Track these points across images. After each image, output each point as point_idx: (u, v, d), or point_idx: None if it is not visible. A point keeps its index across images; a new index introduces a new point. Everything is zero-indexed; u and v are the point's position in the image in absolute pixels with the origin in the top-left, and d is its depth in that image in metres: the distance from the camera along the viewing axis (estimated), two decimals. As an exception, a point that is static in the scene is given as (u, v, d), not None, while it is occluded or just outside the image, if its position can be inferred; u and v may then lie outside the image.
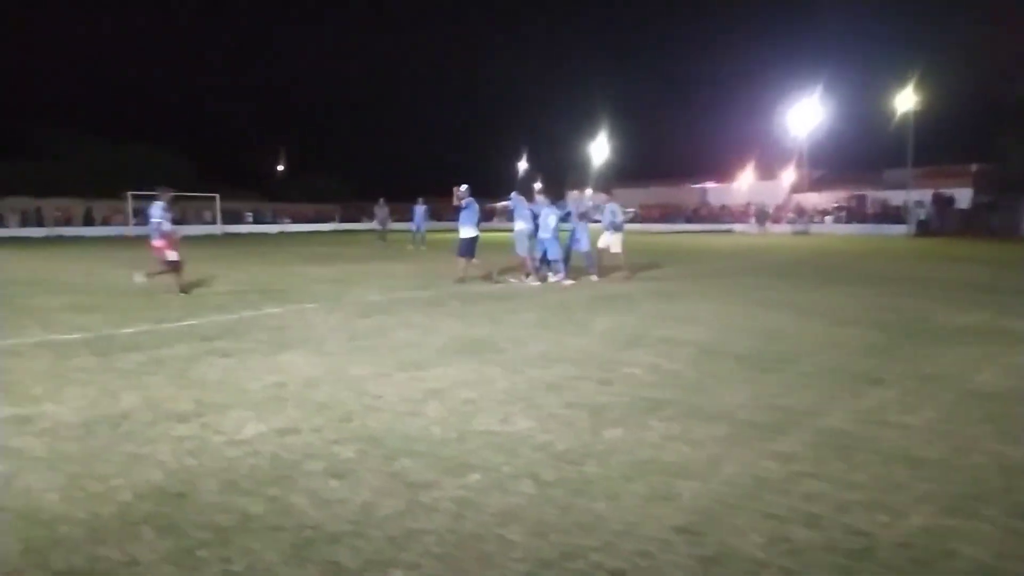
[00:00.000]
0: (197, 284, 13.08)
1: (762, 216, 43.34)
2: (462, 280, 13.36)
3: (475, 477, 3.77)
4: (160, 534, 3.15)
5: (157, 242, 11.85)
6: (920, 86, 45.10)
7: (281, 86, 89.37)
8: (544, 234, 13.48)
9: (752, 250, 26.08)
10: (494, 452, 4.17)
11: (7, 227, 43.15)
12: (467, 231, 13.27)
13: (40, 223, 44.29)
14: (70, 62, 73.61)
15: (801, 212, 45.91)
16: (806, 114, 49.29)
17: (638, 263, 17.54)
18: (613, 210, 14.65)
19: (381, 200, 30.48)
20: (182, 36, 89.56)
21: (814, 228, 43.67)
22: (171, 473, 3.88)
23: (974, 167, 46.45)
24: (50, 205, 46.77)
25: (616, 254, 14.41)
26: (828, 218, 43.95)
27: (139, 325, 8.67)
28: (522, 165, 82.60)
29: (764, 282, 14.02)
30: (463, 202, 13.45)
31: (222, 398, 5.37)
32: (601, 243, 14.38)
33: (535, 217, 13.59)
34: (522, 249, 13.68)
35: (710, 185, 61.84)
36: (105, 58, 76.81)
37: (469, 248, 13.27)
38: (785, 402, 5.19)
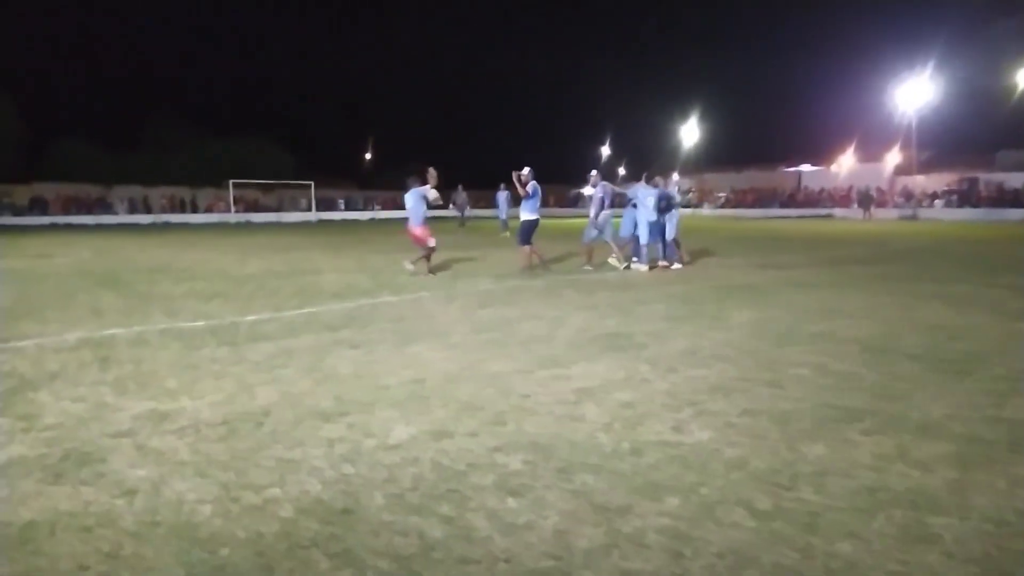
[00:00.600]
0: (312, 271, 13.03)
1: (866, 200, 40.93)
2: (588, 263, 13.40)
3: (673, 502, 3.26)
4: (335, 563, 2.77)
5: (416, 230, 12.24)
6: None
7: (369, 76, 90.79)
8: (649, 217, 12.98)
9: (866, 236, 24.54)
10: (681, 469, 3.65)
11: (116, 214, 45.27)
12: (529, 215, 12.76)
13: (148, 210, 46.24)
14: (177, 60, 76.77)
15: (908, 196, 43.21)
16: (914, 92, 46.27)
17: (749, 250, 16.62)
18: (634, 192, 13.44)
19: (460, 187, 30.24)
20: (277, 30, 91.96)
21: (922, 213, 41.00)
22: (329, 483, 3.52)
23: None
24: (156, 193, 48.81)
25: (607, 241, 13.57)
26: (938, 202, 41.17)
27: (260, 313, 8.55)
28: (604, 150, 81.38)
29: (899, 271, 12.94)
30: (528, 187, 12.65)
31: (362, 394, 5.04)
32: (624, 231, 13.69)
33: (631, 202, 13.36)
34: (609, 235, 13.41)
35: (806, 168, 59.15)
36: (209, 53, 79.79)
37: (529, 233, 12.73)
38: (1003, 413, 4.46)
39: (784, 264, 14.32)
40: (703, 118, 62.20)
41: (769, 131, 64.46)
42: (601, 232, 13.24)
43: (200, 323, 7.92)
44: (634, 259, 13.36)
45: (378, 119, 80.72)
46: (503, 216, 25.58)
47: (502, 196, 25.91)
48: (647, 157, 77.30)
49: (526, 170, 12.65)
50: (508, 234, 24.25)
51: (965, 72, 46.08)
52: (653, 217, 13.01)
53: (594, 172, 13.30)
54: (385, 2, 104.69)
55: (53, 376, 5.64)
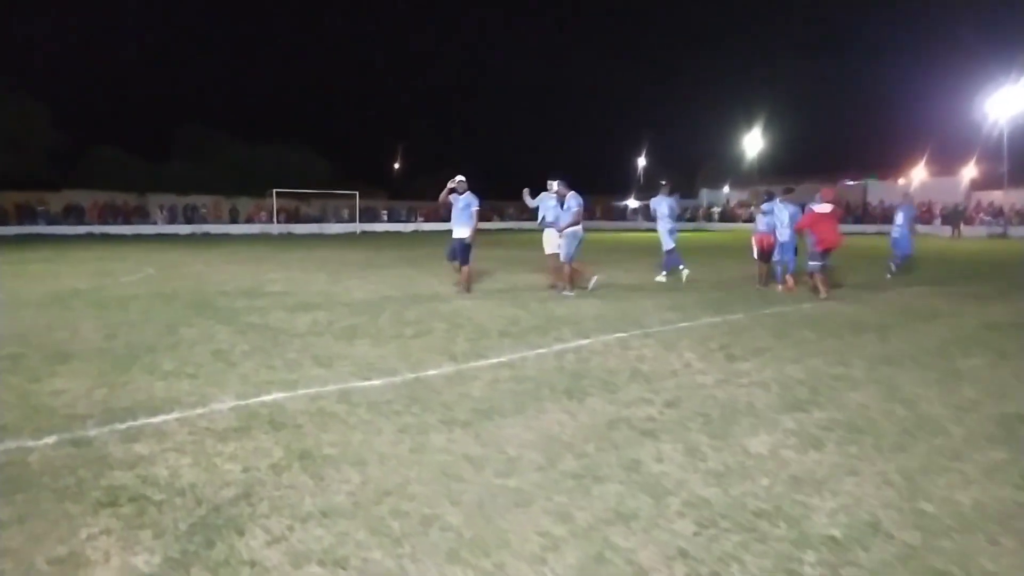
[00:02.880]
0: (431, 296, 10.86)
1: (955, 217, 38.26)
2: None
3: None
4: None
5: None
6: None
7: (400, 82, 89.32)
8: (783, 235, 12.23)
9: (995, 256, 22.01)
10: None
11: (154, 223, 43.61)
12: (460, 231, 11.20)
13: (188, 220, 44.55)
14: (211, 67, 75.59)
15: (997, 213, 40.50)
16: (993, 102, 43.62)
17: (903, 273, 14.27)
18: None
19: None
20: (310, 39, 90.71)
21: (1013, 231, 38.26)
22: None
23: None
24: (196, 202, 47.15)
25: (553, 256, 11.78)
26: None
27: (439, 363, 6.41)
28: (641, 161, 79.02)
29: None
30: (459, 198, 11.24)
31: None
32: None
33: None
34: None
35: (871, 181, 56.50)
36: (243, 62, 78.60)
37: (463, 252, 11.29)
38: None
39: (980, 292, 11.92)
40: (765, 127, 59.71)
41: (832, 141, 61.87)
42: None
43: (379, 381, 5.79)
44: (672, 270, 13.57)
45: (407, 126, 79.04)
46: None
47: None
48: (695, 166, 75.17)
49: (459, 178, 11.10)
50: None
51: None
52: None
53: (460, 178, 11.26)
54: (414, 9, 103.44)
55: (247, 493, 3.49)
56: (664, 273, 13.70)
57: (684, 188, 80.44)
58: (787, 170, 61.19)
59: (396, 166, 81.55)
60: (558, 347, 7.20)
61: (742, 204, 57.81)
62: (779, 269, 12.45)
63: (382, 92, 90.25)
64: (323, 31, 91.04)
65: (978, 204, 43.97)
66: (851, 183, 57.65)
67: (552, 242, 11.71)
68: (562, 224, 11.25)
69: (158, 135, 58.76)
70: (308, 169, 57.19)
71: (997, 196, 44.97)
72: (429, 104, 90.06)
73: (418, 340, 7.57)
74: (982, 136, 46.40)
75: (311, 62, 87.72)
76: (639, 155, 78.62)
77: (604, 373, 6.06)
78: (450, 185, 11.20)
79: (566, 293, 11.18)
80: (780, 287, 12.20)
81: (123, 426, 4.60)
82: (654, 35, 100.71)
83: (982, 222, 40.50)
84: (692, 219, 56.60)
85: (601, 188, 79.02)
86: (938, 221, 41.30)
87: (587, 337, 7.70)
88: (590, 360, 6.58)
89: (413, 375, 6.03)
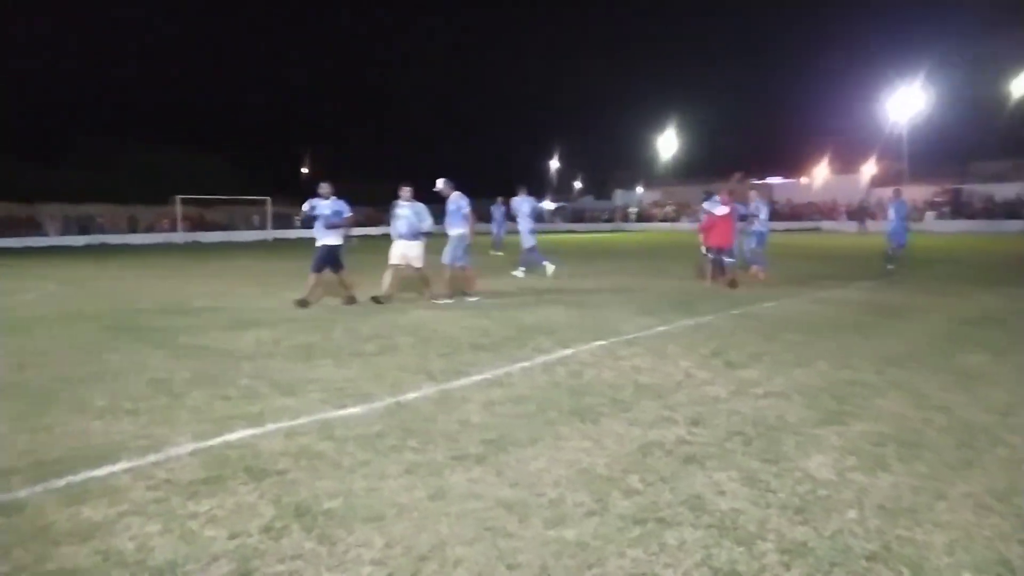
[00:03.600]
0: (385, 307, 10.08)
1: (861, 213, 39.94)
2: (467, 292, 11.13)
3: None
4: None
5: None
6: (1015, 73, 41.95)
7: (305, 88, 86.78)
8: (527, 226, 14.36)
9: (914, 251, 22.76)
10: None
11: (46, 235, 40.47)
12: (329, 238, 10.31)
13: (83, 230, 41.52)
14: (107, 68, 71.00)
15: (899, 208, 42.50)
16: (892, 105, 46.03)
17: (796, 268, 14.46)
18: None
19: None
20: (215, 42, 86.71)
21: (914, 225, 40.17)
22: None
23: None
24: (92, 211, 44.07)
25: (419, 269, 10.70)
26: (929, 214, 40.55)
27: (419, 385, 5.69)
28: (554, 164, 79.65)
29: None
30: (323, 205, 10.31)
31: None
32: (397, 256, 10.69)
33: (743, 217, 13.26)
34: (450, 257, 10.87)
35: (776, 181, 58.53)
36: (140, 66, 74.40)
37: (328, 259, 10.33)
38: None
39: (925, 287, 12.08)
40: (677, 130, 60.98)
41: (736, 142, 63.71)
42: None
43: (358, 409, 5.07)
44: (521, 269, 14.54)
45: (313, 132, 76.95)
46: (499, 232, 22.98)
47: (498, 211, 23.30)
48: (608, 168, 76.08)
49: (324, 185, 10.39)
50: (499, 252, 21.66)
51: (938, 85, 46.00)
52: (530, 225, 14.69)
53: (441, 180, 10.75)
54: (319, 11, 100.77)
55: (245, 570, 2.76)
56: (522, 269, 14.63)
57: (597, 190, 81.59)
58: (697, 171, 62.78)
59: (304, 171, 78.92)
60: (541, 359, 6.61)
61: (656, 204, 58.79)
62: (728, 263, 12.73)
63: (289, 97, 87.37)
64: (222, 34, 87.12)
65: (879, 200, 46.01)
66: (756, 182, 59.63)
67: (396, 252, 10.55)
68: (455, 228, 10.83)
69: (49, 141, 54.71)
70: (212, 175, 54.58)
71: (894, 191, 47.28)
72: (340, 108, 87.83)
73: (385, 358, 6.83)
74: (880, 136, 48.94)
75: (212, 65, 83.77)
76: (551, 158, 79.20)
77: (605, 388, 5.51)
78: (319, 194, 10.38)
79: (443, 301, 10.51)
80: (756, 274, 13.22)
81: (61, 482, 3.74)
82: (566, 38, 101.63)
83: (885, 217, 42.36)
84: (610, 220, 57.11)
85: (516, 190, 79.11)
86: (843, 217, 42.99)
87: (567, 347, 7.14)
88: (583, 373, 6.03)
89: (394, 399, 5.32)
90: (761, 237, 13.84)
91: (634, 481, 3.65)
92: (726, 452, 4.05)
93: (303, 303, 10.13)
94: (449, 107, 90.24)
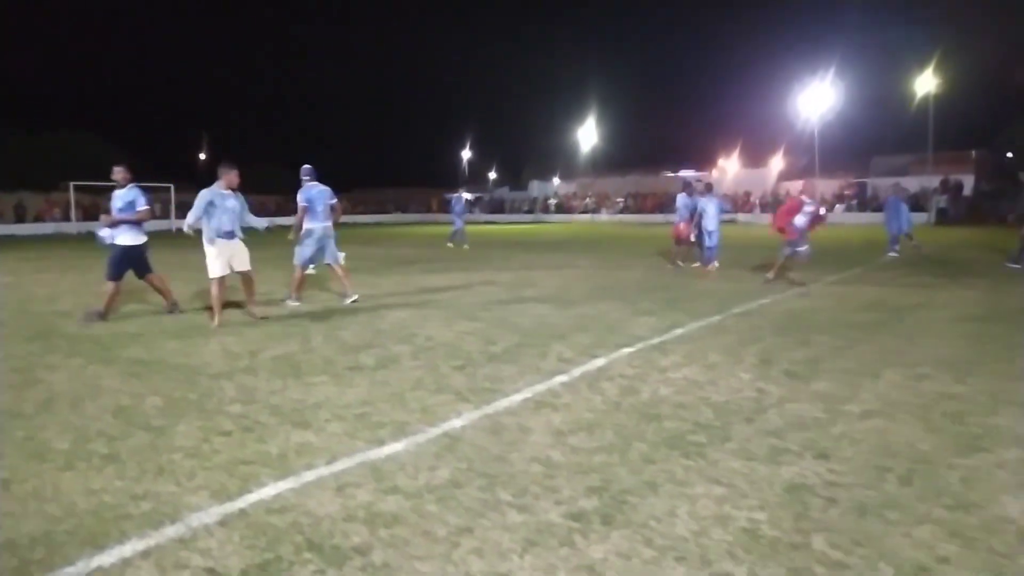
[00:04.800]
0: (366, 307, 9.02)
1: (777, 206, 40.98)
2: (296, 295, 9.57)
3: None
4: None
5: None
6: (914, 72, 44.12)
7: (203, 70, 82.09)
8: (710, 225, 13.55)
9: (842, 242, 23.33)
10: None
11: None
12: (125, 236, 8.44)
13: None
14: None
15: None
16: (802, 100, 47.55)
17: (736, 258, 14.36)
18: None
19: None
20: (104, 20, 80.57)
21: (829, 218, 41.70)
22: None
23: (973, 153, 45.79)
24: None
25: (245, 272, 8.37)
26: (839, 207, 42.14)
27: (445, 417, 4.80)
28: (466, 154, 78.54)
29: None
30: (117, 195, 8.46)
31: None
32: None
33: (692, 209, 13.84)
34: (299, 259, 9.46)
35: (688, 173, 59.65)
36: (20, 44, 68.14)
37: (127, 262, 8.51)
38: None
39: (898, 280, 12.02)
40: (596, 121, 61.05)
41: (650, 135, 64.66)
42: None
43: (399, 445, 4.17)
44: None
45: (212, 116, 72.89)
46: (459, 224, 21.83)
47: (459, 203, 22.34)
48: (523, 159, 75.70)
49: (116, 169, 8.46)
50: (464, 245, 20.77)
51: (842, 81, 47.81)
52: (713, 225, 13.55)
53: (119, 168, 8.64)
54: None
55: None
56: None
57: (512, 181, 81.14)
58: (614, 163, 63.37)
59: (202, 157, 74.60)
60: (576, 371, 5.82)
61: (576, 196, 58.76)
62: (709, 255, 13.61)
63: (188, 80, 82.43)
64: (111, 11, 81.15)
65: (787, 193, 47.50)
66: (670, 175, 60.66)
67: (220, 261, 8.03)
68: (311, 222, 9.19)
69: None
70: (102, 160, 50.59)
71: (798, 185, 49.03)
72: (241, 94, 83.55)
73: (390, 372, 5.87)
74: (787, 130, 50.56)
75: (98, 47, 77.82)
76: (463, 147, 77.93)
77: (677, 409, 4.78)
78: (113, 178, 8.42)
79: (291, 303, 9.43)
80: (707, 268, 13.50)
81: (53, 582, 2.66)
82: (479, 28, 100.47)
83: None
84: (530, 211, 56.69)
85: (432, 182, 77.61)
86: (757, 210, 44.08)
87: (594, 355, 6.38)
88: (638, 390, 5.27)
89: (437, 430, 4.41)
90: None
91: (822, 545, 2.92)
92: (894, 497, 3.39)
93: (101, 316, 8.28)
94: (358, 94, 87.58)
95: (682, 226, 14.02)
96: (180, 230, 9.54)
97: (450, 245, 21.27)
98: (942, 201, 39.24)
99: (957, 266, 14.48)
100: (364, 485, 3.56)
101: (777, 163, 52.16)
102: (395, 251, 20.77)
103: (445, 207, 22.70)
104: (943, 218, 38.07)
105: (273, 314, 8.73)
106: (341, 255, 9.66)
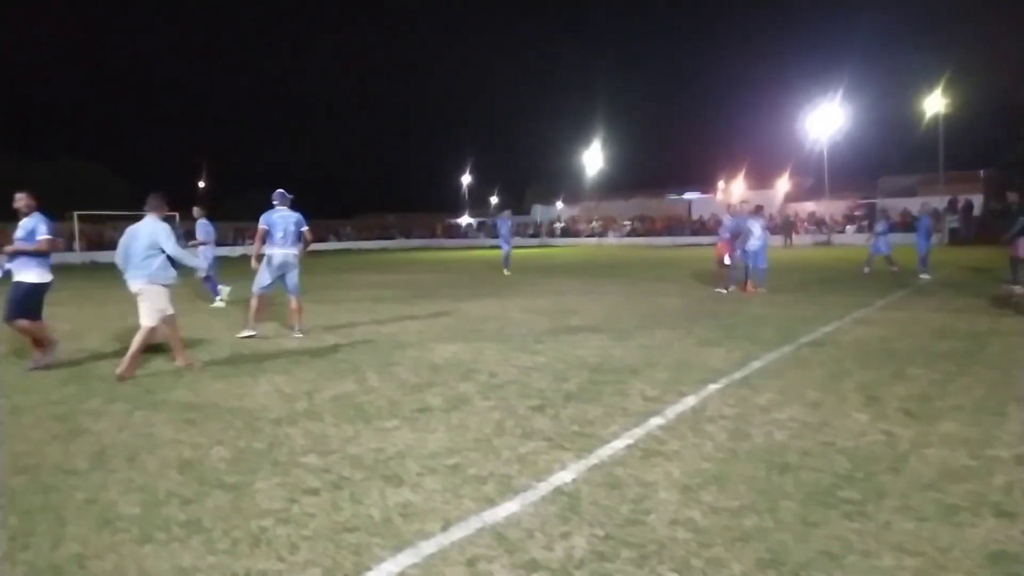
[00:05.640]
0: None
1: (788, 227, 40.72)
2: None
3: None
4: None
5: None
6: (922, 92, 44.10)
7: (202, 94, 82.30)
8: (754, 245, 13.59)
9: (842, 261, 22.91)
10: None
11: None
12: (27, 272, 7.30)
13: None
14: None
15: (820, 223, 43.86)
16: (806, 122, 47.58)
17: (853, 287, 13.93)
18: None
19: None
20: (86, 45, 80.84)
21: (835, 239, 41.46)
22: None
23: (982, 173, 45.62)
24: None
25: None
26: (849, 228, 41.90)
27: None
28: (466, 178, 78.18)
29: None
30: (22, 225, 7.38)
31: None
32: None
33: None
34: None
35: (692, 196, 59.48)
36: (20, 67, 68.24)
37: (26, 302, 7.31)
38: None
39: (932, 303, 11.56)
40: (598, 145, 60.99)
41: (653, 158, 64.66)
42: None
43: (514, 505, 3.70)
44: None
45: (212, 143, 72.93)
46: (506, 248, 20.90)
47: (505, 224, 21.30)
48: (524, 183, 75.64)
49: (18, 196, 7.40)
50: (507, 271, 20.11)
51: (850, 103, 47.85)
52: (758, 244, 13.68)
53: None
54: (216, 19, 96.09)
55: None
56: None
57: (514, 204, 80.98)
58: (618, 186, 63.27)
59: (201, 185, 74.38)
60: (670, 412, 5.35)
61: (582, 219, 58.53)
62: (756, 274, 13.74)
63: (185, 107, 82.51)
64: (106, 38, 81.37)
65: (796, 214, 47.29)
66: (674, 197, 60.52)
67: (150, 305, 6.97)
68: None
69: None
70: (103, 188, 50.37)
71: (809, 207, 48.90)
72: (239, 120, 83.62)
73: (465, 415, 5.40)
74: (792, 152, 50.52)
75: (99, 71, 77.97)
76: (463, 172, 77.64)
77: (804, 457, 4.33)
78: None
79: (246, 332, 9.11)
80: (748, 289, 13.55)
81: None
82: (481, 53, 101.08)
83: (807, 231, 43.51)
84: (535, 235, 56.35)
85: (433, 206, 77.41)
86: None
87: (680, 393, 5.91)
88: (749, 434, 4.80)
89: (546, 484, 3.97)
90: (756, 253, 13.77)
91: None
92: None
93: (47, 364, 7.42)
94: (358, 118, 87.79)
95: (721, 246, 13.65)
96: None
97: (507, 272, 20.04)
98: (954, 221, 38.96)
99: (993, 287, 14.04)
100: (497, 559, 3.08)
101: (783, 184, 51.93)
102: (415, 277, 20.34)
103: (492, 230, 21.79)
104: (955, 238, 37.76)
105: (232, 352, 8.26)
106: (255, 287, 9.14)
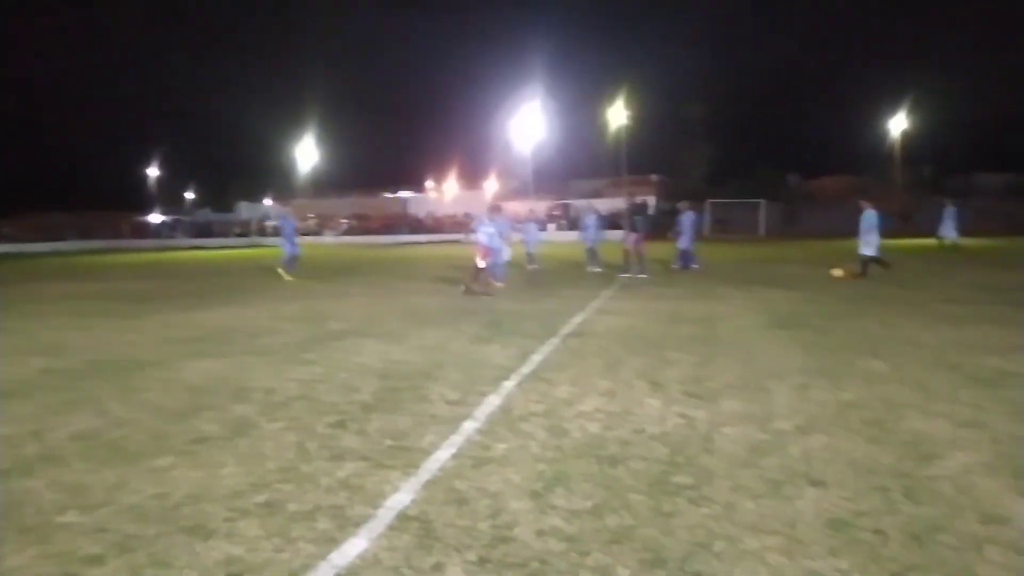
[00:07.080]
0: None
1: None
2: None
3: None
4: None
5: None
6: (607, 105, 49.49)
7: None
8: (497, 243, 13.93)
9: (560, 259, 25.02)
10: None
11: None
12: None
13: None
14: None
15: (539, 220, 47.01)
16: (513, 127, 50.70)
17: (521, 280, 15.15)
18: None
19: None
20: None
21: (544, 236, 44.68)
22: None
23: (654, 177, 52.52)
24: None
25: None
26: (551, 226, 45.51)
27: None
28: (152, 171, 70.78)
29: (766, 291, 12.64)
30: None
31: None
32: None
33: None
34: None
35: (407, 195, 60.37)
36: None
37: None
38: None
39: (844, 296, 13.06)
40: (306, 140, 58.74)
41: (368, 157, 64.30)
42: None
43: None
44: None
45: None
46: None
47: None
48: (224, 179, 70.45)
49: None
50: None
51: (545, 110, 51.98)
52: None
53: None
54: None
55: None
56: None
57: (213, 201, 75.16)
58: (333, 184, 61.88)
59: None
60: (479, 413, 5.20)
61: (295, 217, 56.04)
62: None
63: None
64: None
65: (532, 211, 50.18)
66: (389, 196, 60.93)
67: None
68: None
69: None
70: None
71: (514, 206, 52.29)
72: None
73: (256, 441, 4.76)
74: (500, 155, 53.58)
75: None
76: (149, 165, 69.94)
77: (624, 447, 4.46)
78: None
79: None
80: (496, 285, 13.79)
81: None
82: (170, 36, 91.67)
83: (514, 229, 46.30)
84: (244, 234, 52.78)
85: (116, 203, 68.67)
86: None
87: (481, 394, 5.79)
88: (566, 429, 4.83)
89: (386, 512, 3.60)
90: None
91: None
92: (931, 518, 3.38)
93: None
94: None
95: (479, 249, 13.51)
96: None
97: (288, 276, 17.41)
98: (638, 220, 44.17)
99: (685, 278, 16.13)
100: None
101: (492, 185, 54.85)
102: (120, 285, 17.71)
103: (278, 231, 19.13)
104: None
105: None
106: None
